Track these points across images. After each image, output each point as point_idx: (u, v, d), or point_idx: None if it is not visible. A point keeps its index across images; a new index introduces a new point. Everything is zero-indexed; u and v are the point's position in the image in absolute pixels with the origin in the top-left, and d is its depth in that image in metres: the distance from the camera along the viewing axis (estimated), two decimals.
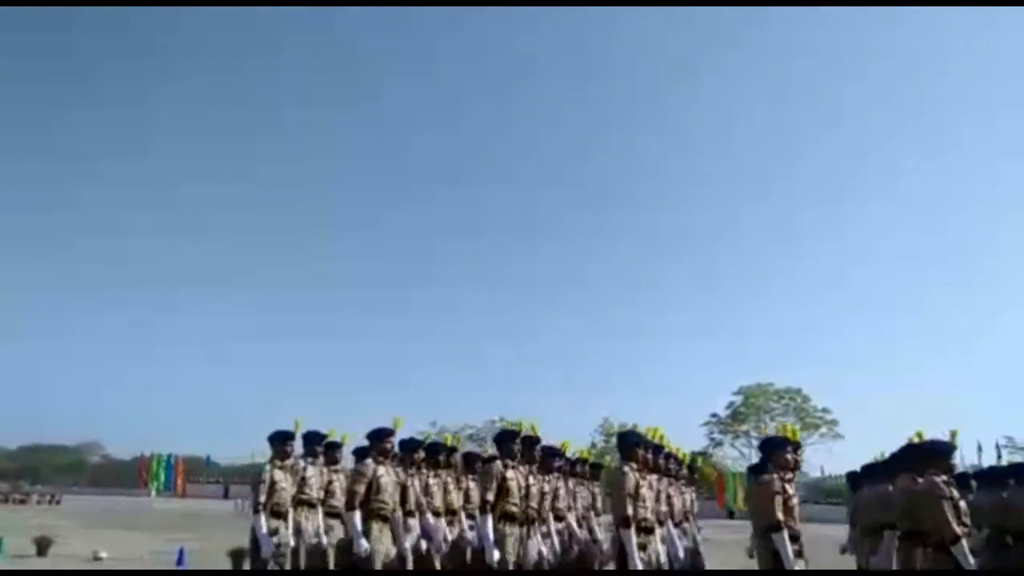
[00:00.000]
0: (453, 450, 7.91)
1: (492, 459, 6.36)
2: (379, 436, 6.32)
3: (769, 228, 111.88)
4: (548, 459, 7.07)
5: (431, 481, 7.10)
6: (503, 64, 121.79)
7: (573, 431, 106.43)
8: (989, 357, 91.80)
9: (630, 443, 5.88)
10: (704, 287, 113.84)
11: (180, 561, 12.16)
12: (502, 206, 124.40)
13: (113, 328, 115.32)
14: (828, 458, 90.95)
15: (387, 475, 6.19)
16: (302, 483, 6.57)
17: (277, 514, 5.99)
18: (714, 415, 72.95)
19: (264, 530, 5.71)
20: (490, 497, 5.56)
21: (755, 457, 69.93)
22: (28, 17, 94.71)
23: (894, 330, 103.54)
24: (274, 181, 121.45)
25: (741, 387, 71.91)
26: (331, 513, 6.91)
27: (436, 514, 6.93)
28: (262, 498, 5.82)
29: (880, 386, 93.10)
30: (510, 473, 5.76)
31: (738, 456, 71.81)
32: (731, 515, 56.21)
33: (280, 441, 6.35)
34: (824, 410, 68.51)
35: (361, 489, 5.76)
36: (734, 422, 71.44)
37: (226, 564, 11.70)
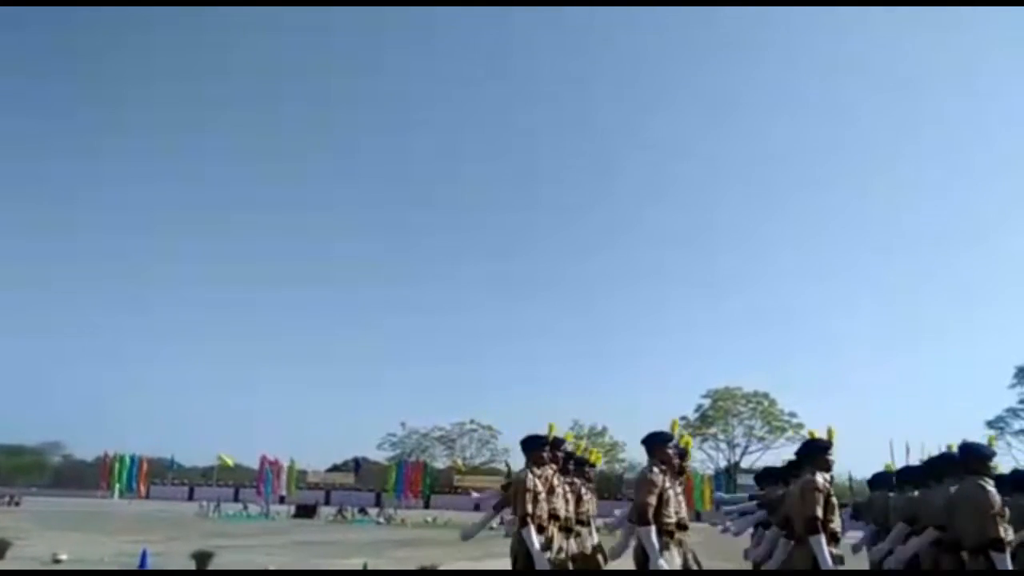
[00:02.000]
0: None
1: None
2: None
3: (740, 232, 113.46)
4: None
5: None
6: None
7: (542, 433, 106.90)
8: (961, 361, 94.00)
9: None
10: (670, 289, 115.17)
11: (143, 563, 11.95)
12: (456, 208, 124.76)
13: (76, 326, 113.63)
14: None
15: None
16: (549, 492, 6.17)
17: (540, 527, 5.63)
18: (683, 418, 73.40)
19: (537, 545, 5.34)
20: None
21: (722, 460, 70.80)
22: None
23: (855, 337, 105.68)
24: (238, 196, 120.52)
25: (709, 390, 72.60)
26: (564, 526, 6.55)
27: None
28: (529, 508, 5.40)
29: (841, 392, 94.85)
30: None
31: (705, 459, 72.48)
32: (698, 517, 56.69)
33: (537, 446, 5.90)
34: (791, 414, 69.42)
35: (654, 501, 5.21)
36: (702, 425, 71.99)
37: (190, 567, 11.54)
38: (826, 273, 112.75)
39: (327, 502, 55.58)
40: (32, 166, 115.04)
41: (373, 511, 40.46)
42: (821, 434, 5.51)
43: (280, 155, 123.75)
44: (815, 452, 5.28)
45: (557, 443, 6.20)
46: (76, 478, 78.49)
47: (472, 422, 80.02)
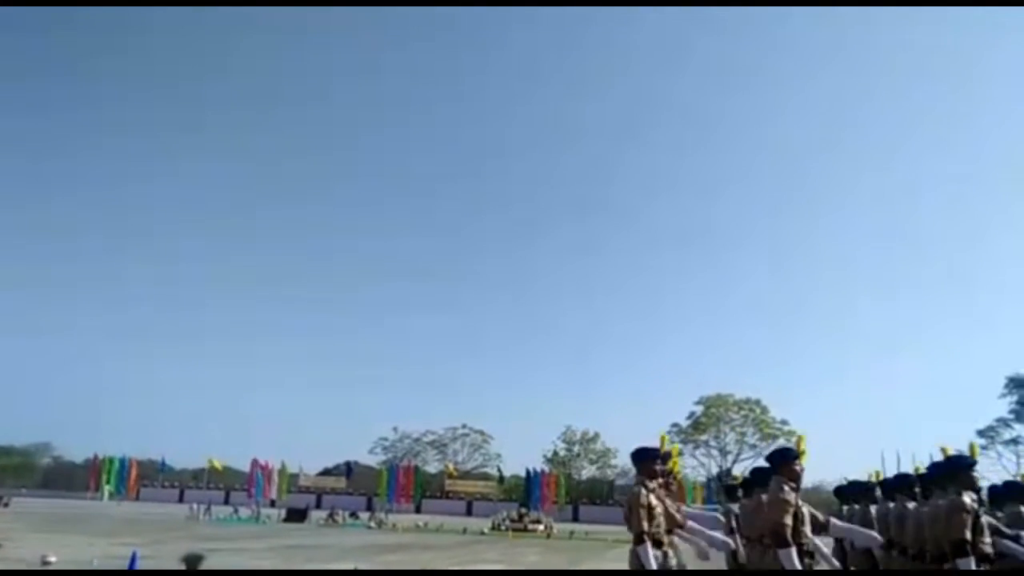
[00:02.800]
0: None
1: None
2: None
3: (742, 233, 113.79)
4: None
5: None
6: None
7: (534, 439, 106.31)
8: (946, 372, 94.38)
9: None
10: (665, 295, 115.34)
11: (132, 566, 11.89)
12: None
13: (66, 326, 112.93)
14: None
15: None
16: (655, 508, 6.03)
17: (657, 543, 5.50)
18: (675, 425, 73.45)
19: (654, 563, 5.22)
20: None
21: (714, 467, 70.85)
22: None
23: (850, 348, 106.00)
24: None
25: (702, 397, 72.68)
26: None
27: None
28: (645, 524, 5.27)
29: (833, 400, 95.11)
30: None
31: (697, 465, 72.53)
32: None
33: (650, 459, 5.73)
34: (783, 421, 69.53)
35: (790, 521, 4.95)
36: (695, 431, 72.02)
37: (179, 570, 11.49)
38: (822, 280, 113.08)
39: (318, 506, 55.44)
40: (23, 165, 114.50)
41: (364, 515, 40.31)
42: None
43: (269, 157, 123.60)
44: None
45: (665, 457, 6.08)
46: (65, 479, 78.09)
47: (464, 427, 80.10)
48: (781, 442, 68.83)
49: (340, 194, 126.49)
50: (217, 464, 65.41)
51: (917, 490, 6.22)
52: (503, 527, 32.49)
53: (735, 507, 8.12)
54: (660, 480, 5.50)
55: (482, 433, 79.89)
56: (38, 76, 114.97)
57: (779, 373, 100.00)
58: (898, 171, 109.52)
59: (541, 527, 32.77)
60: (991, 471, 62.22)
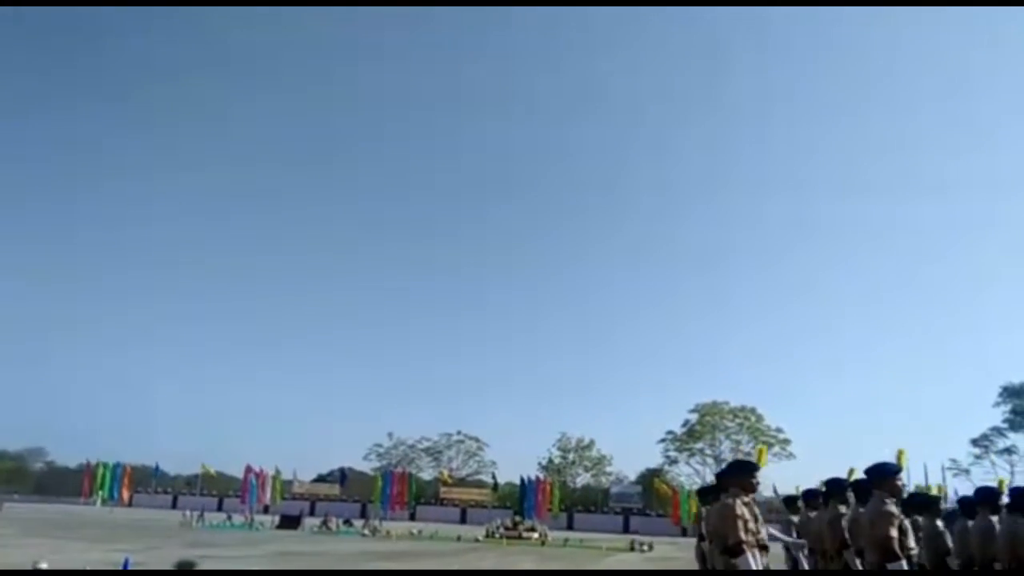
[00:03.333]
0: None
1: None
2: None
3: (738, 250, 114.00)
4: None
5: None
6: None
7: (529, 447, 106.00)
8: (934, 385, 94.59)
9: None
10: (662, 305, 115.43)
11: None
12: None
13: (60, 331, 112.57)
14: (780, 477, 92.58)
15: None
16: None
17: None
18: (670, 432, 73.41)
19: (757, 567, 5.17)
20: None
21: (709, 475, 70.83)
22: None
23: (843, 356, 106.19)
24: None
25: (697, 405, 72.66)
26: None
27: None
28: (742, 535, 5.21)
29: (829, 408, 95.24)
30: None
31: (692, 473, 72.47)
32: (684, 532, 56.62)
33: (748, 472, 5.69)
34: (777, 429, 69.56)
35: (896, 534, 4.96)
36: (690, 439, 71.99)
37: None
38: (815, 288, 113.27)
39: (312, 513, 55.23)
40: (16, 169, 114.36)
41: (358, 522, 40.20)
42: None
43: (256, 157, 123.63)
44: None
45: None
46: (58, 485, 77.70)
47: (459, 433, 79.86)
48: (776, 450, 68.95)
49: (340, 196, 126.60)
50: (210, 470, 65.23)
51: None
52: (497, 535, 32.41)
53: (795, 519, 8.25)
54: (752, 495, 5.41)
55: (477, 440, 79.76)
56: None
57: (773, 380, 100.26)
58: (894, 168, 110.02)
59: (535, 535, 32.69)
60: (983, 480, 62.49)
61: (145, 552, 16.61)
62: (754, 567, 4.81)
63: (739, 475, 5.32)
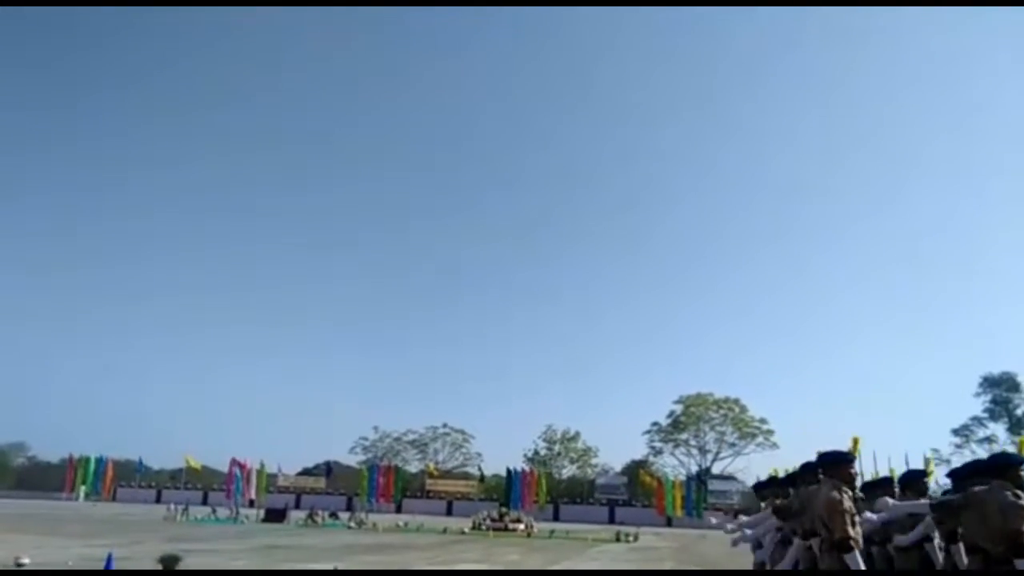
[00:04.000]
0: None
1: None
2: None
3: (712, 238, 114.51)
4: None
5: None
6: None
7: (515, 438, 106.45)
8: (914, 374, 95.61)
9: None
10: (645, 294, 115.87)
11: (108, 567, 11.76)
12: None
13: (41, 324, 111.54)
14: (764, 467, 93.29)
15: None
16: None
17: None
18: (655, 424, 73.75)
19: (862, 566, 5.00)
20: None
21: (694, 466, 71.27)
22: None
23: (825, 348, 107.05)
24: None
25: (681, 396, 73.08)
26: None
27: None
28: (850, 530, 5.02)
29: (811, 397, 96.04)
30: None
31: (677, 464, 72.91)
32: (669, 522, 57.00)
33: (846, 463, 5.51)
34: (761, 420, 70.10)
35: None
36: (675, 430, 72.40)
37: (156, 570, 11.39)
38: (800, 282, 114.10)
39: (297, 506, 55.11)
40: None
41: (344, 515, 40.11)
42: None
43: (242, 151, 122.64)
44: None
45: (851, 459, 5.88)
46: (40, 480, 77.01)
47: (445, 426, 79.83)
48: (760, 440, 69.49)
49: (331, 190, 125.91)
50: (194, 463, 64.82)
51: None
52: (483, 527, 32.47)
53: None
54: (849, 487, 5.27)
55: (463, 432, 79.83)
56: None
57: (757, 372, 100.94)
58: (882, 163, 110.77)
59: (521, 526, 32.77)
60: None
61: (128, 547, 16.49)
62: (862, 565, 4.71)
63: (837, 466, 5.20)
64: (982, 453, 62.74)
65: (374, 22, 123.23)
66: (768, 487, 8.05)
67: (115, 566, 11.78)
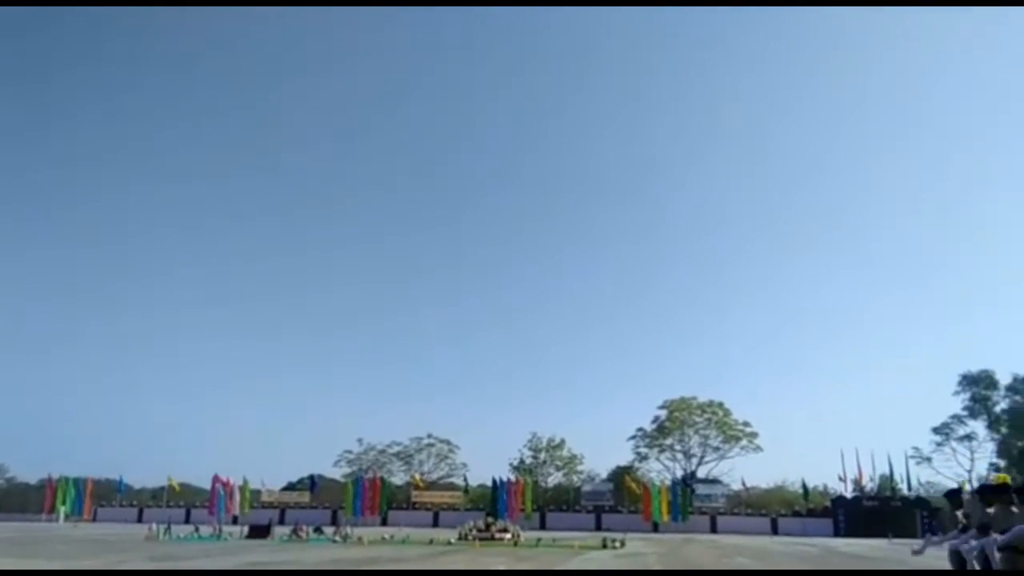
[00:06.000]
0: None
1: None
2: None
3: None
4: None
5: None
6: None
7: (500, 447, 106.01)
8: (892, 375, 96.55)
9: None
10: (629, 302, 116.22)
11: None
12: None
13: (19, 342, 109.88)
14: (748, 470, 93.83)
15: None
16: None
17: None
18: (640, 429, 73.86)
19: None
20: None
21: (679, 471, 71.34)
22: None
23: (806, 350, 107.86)
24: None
25: (666, 401, 73.25)
26: None
27: None
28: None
29: (793, 402, 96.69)
30: None
31: (662, 469, 73.06)
32: (655, 527, 57.04)
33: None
34: (745, 423, 70.41)
35: None
36: (660, 435, 72.54)
37: None
38: (780, 283, 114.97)
39: (282, 521, 54.55)
40: None
41: (329, 529, 39.75)
42: None
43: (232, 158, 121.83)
44: None
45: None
46: (19, 502, 75.66)
47: (430, 436, 79.39)
48: (744, 443, 69.81)
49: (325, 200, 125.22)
50: (175, 484, 64.24)
51: None
52: (470, 536, 32.31)
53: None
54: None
55: (448, 443, 79.41)
56: None
57: (742, 374, 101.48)
58: (855, 158, 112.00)
59: (508, 536, 32.65)
60: (945, 467, 63.89)
61: (110, 567, 16.23)
62: None
63: None
64: (962, 450, 63.55)
65: (374, 22, 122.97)
66: (999, 493, 8.37)
67: None
